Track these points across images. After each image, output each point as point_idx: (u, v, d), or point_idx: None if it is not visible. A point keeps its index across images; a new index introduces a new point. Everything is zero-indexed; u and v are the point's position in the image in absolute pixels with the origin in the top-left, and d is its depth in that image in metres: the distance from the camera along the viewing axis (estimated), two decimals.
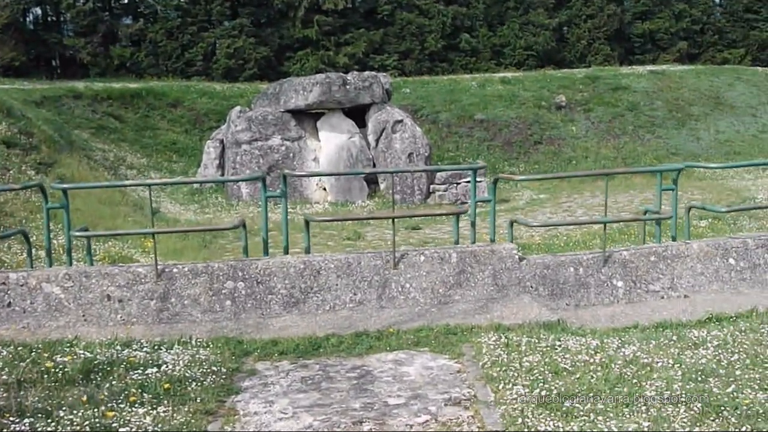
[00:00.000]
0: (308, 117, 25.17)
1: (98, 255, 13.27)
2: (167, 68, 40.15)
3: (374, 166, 24.62)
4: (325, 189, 24.47)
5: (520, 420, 6.04)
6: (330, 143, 24.48)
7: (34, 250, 10.78)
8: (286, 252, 10.21)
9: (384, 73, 26.90)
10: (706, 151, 31.88)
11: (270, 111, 24.85)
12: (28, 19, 41.61)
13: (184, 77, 39.09)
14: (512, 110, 33.14)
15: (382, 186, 24.64)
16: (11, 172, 17.95)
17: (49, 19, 41.49)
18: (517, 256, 10.01)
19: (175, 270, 9.46)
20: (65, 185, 11.25)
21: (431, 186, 24.54)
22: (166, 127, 31.89)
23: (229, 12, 41.92)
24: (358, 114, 25.41)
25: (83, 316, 9.06)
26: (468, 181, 24.39)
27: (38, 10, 40.88)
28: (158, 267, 9.38)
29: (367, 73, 25.66)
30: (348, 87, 24.24)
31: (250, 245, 10.79)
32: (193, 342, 8.28)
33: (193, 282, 9.34)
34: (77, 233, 10.23)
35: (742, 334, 8.10)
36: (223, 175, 25.90)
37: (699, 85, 36.43)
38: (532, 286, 9.88)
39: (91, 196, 18.00)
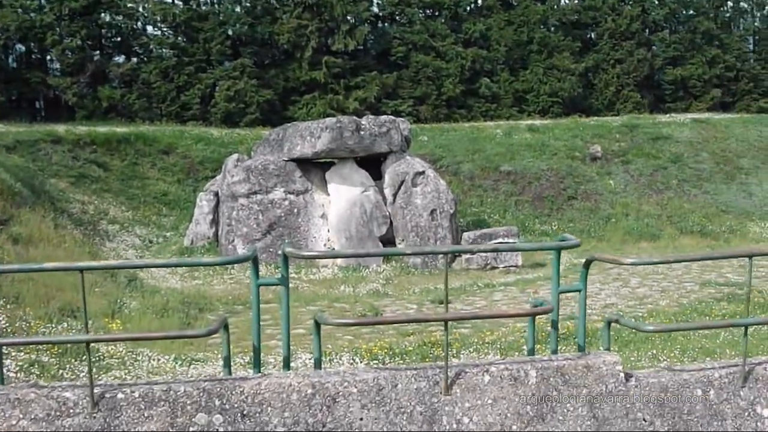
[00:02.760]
0: (316, 167, 22.40)
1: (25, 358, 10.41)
2: (161, 112, 37.52)
3: (391, 224, 21.79)
4: (334, 249, 21.63)
5: None
6: (341, 197, 21.67)
7: None
8: (287, 365, 7.25)
9: (402, 118, 24.11)
10: (759, 208, 29.10)
11: (272, 160, 22.09)
12: (10, 56, 39.07)
13: (179, 122, 36.43)
14: (542, 161, 30.38)
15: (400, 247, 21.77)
16: None
17: (33, 56, 38.85)
18: (621, 374, 7.09)
19: (120, 395, 6.53)
20: None
21: None
22: (157, 177, 29.17)
23: (230, 51, 39.39)
24: (372, 164, 22.68)
25: None
26: (501, 243, 21.54)
27: (22, 47, 38.26)
28: (95, 390, 6.46)
29: (384, 117, 22.89)
30: (362, 133, 21.48)
31: (240, 323, 7.87)
32: None
33: (147, 414, 6.42)
34: None
35: None
36: (217, 232, 23.07)
37: (747, 135, 33.73)
38: (645, 419, 6.96)
39: (51, 260, 15.16)
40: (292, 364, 11.49)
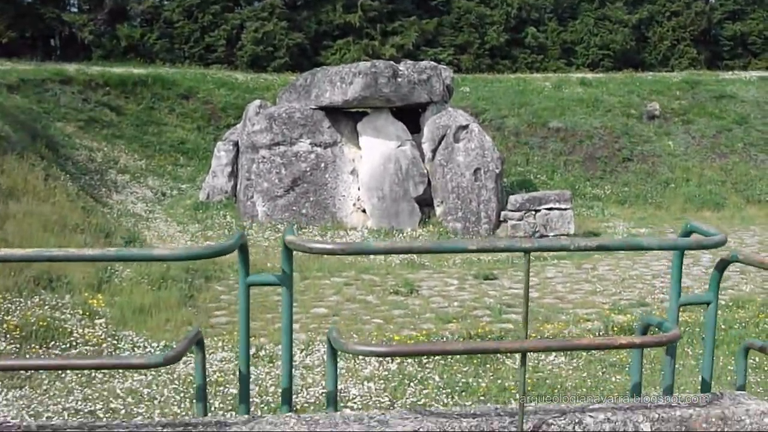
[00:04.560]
0: (346, 117, 20.20)
1: None
2: (183, 54, 35.33)
3: (429, 183, 19.61)
4: (364, 211, 19.51)
5: None
6: (373, 152, 19.48)
7: None
8: (287, 402, 4.95)
9: (444, 66, 21.75)
10: None
11: (298, 107, 19.91)
12: None
13: (203, 65, 34.26)
14: (595, 118, 27.97)
15: (438, 210, 19.61)
16: None
17: None
18: None
19: None
20: None
21: (502, 213, 19.50)
22: (175, 123, 27.09)
23: None
24: (410, 116, 20.44)
25: None
26: (551, 209, 19.35)
27: None
28: None
29: (424, 63, 20.59)
30: (399, 80, 19.21)
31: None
32: None
33: None
34: None
35: None
36: (235, 186, 20.99)
37: None
38: None
39: (34, 217, 13.17)
40: (307, 359, 9.41)
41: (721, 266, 5.36)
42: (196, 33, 35.54)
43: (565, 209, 19.52)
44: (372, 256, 16.55)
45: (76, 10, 36.00)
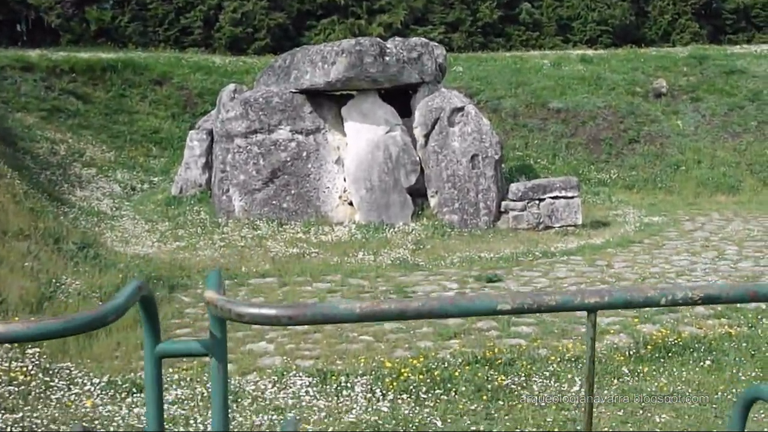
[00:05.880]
0: (330, 101, 18.57)
1: None
2: (158, 37, 33.74)
3: (422, 172, 18.02)
4: (351, 204, 17.92)
5: None
6: (360, 139, 17.87)
7: None
8: None
9: (435, 43, 20.08)
10: None
11: (276, 91, 18.27)
12: None
13: (179, 48, 32.64)
14: (598, 97, 26.36)
15: (432, 201, 18.02)
16: None
17: None
18: None
19: None
20: None
21: (503, 203, 17.93)
22: (147, 111, 25.50)
23: None
24: (400, 98, 18.85)
25: None
26: (557, 198, 17.79)
27: None
28: None
29: (414, 39, 18.93)
30: (387, 59, 17.56)
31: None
32: None
33: None
34: None
35: None
36: (210, 179, 19.40)
37: None
38: None
39: None
40: (281, 396, 7.86)
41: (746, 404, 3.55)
42: (170, 15, 33.98)
43: (572, 197, 17.95)
44: (360, 255, 15.03)
45: None
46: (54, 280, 10.85)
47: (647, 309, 11.21)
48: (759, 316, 10.68)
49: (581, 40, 38.90)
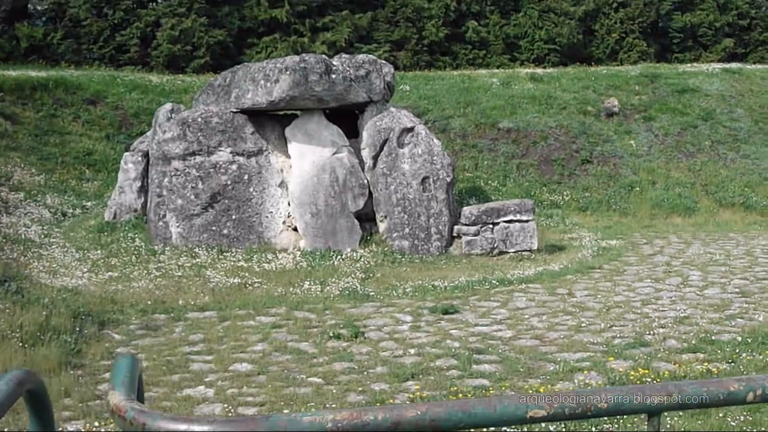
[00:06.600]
0: (273, 121, 17.74)
1: None
2: (92, 54, 32.50)
3: (371, 195, 17.24)
4: (296, 230, 17.07)
5: None
6: (305, 161, 17.05)
7: None
8: None
9: (384, 61, 19.34)
10: None
11: (216, 111, 17.40)
12: None
13: (115, 66, 31.53)
14: (549, 116, 25.82)
15: (381, 226, 17.24)
16: None
17: None
18: None
19: None
20: None
21: (455, 227, 17.21)
22: (80, 132, 24.41)
23: None
24: (346, 118, 18.11)
25: None
26: (511, 222, 17.10)
27: None
28: None
29: (362, 57, 18.16)
30: (334, 76, 16.79)
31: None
32: None
33: None
34: None
35: None
36: (146, 203, 18.43)
37: None
38: None
39: None
40: None
41: None
42: (105, 31, 32.81)
43: (527, 221, 17.29)
44: (306, 285, 14.18)
45: None
46: None
47: (617, 342, 10.55)
48: (737, 350, 10.02)
49: (529, 58, 38.42)
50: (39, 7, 33.43)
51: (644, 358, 9.78)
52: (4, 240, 16.06)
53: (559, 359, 9.82)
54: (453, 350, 10.26)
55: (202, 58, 32.61)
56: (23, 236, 17.17)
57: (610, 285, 14.34)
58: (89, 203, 20.95)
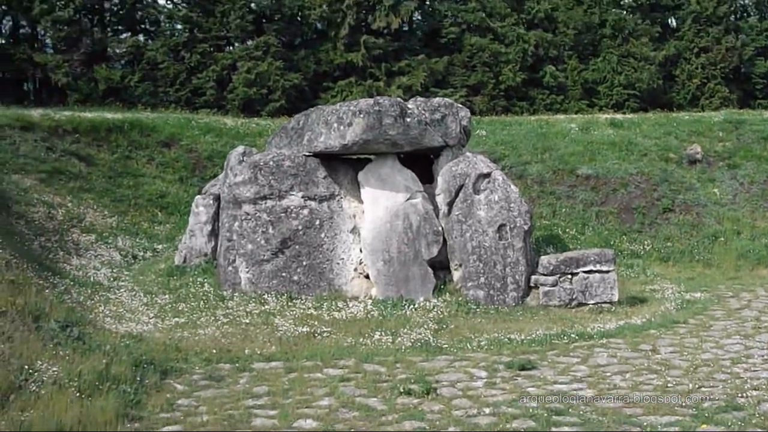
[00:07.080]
0: (345, 165, 17.40)
1: None
2: (168, 97, 32.62)
3: (445, 243, 16.75)
4: (368, 277, 16.62)
5: None
6: (378, 206, 16.64)
7: None
8: None
9: (460, 105, 18.92)
10: None
11: (288, 154, 17.11)
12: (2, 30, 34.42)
13: (191, 109, 31.56)
14: (630, 163, 25.11)
15: (456, 275, 16.72)
16: None
17: (21, 29, 34.02)
18: None
19: None
20: None
21: (532, 277, 16.60)
22: (154, 174, 24.40)
23: (252, 27, 34.34)
24: (420, 162, 17.68)
25: None
26: (590, 272, 16.44)
27: (8, 18, 33.49)
28: None
29: (437, 100, 17.75)
30: (408, 120, 16.41)
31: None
32: None
33: None
34: None
35: None
36: (216, 248, 18.16)
37: None
38: None
39: None
40: None
41: None
42: (182, 74, 32.97)
43: (607, 272, 16.60)
44: (377, 335, 13.69)
45: (51, 50, 33.39)
46: (27, 366, 9.57)
47: (706, 405, 9.85)
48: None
49: (607, 104, 37.72)
50: (117, 50, 33.68)
51: (738, 424, 9.11)
52: (72, 283, 15.88)
53: (645, 423, 9.20)
54: (530, 410, 9.70)
55: (278, 102, 32.55)
56: (92, 279, 17.02)
57: (697, 341, 13.62)
58: (160, 246, 20.81)
